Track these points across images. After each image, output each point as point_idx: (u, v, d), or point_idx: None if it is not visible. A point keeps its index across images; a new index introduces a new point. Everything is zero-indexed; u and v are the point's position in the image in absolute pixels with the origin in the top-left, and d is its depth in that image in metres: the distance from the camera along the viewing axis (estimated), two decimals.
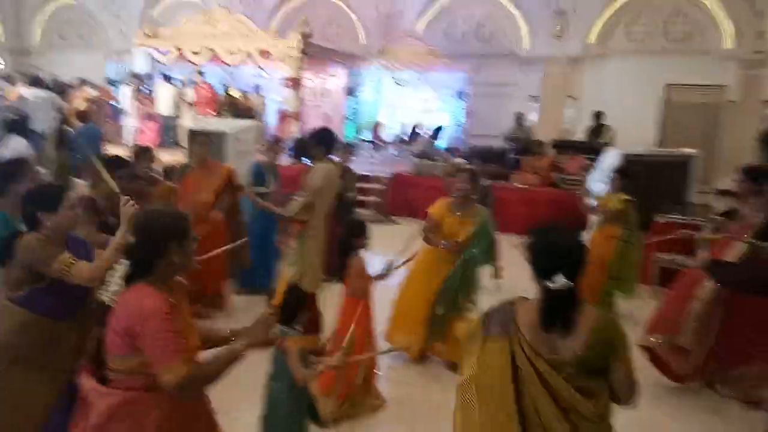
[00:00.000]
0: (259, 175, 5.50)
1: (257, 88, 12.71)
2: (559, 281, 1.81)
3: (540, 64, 13.17)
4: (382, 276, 3.71)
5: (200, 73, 12.13)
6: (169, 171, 5.52)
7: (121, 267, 1.85)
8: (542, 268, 1.87)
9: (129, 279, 1.92)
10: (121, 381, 1.88)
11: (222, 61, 11.34)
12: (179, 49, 11.35)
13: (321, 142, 4.36)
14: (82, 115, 8.92)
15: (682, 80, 12.44)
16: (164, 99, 11.27)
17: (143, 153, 4.76)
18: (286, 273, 4.31)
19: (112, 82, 13.13)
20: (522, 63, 13.42)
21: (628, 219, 5.26)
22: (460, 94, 12.55)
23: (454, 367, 4.20)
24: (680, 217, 6.46)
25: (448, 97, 12.89)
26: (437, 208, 4.38)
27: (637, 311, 5.37)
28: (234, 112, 11.66)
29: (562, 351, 1.85)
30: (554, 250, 1.89)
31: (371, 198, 9.63)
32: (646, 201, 5.42)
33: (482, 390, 1.91)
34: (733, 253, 3.71)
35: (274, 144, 6.02)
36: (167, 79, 11.73)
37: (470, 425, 1.94)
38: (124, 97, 11.57)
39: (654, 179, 4.88)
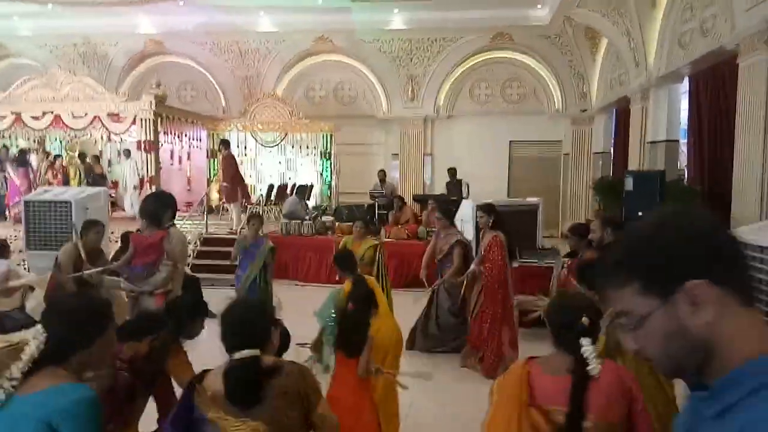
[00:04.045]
0: None
1: (128, 153, 11.71)
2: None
3: (397, 124, 13.92)
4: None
5: (40, 140, 11.10)
6: None
7: None
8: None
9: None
10: None
11: (66, 126, 10.53)
12: (16, 114, 10.38)
13: (168, 206, 4.13)
14: None
15: (522, 137, 13.82)
16: None
17: None
18: None
19: None
20: (381, 124, 14.09)
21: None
22: (325, 154, 12.77)
23: None
24: (533, 261, 7.01)
25: (314, 157, 13.04)
26: None
27: None
28: (91, 178, 10.78)
29: None
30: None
31: None
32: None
33: None
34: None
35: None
36: None
37: None
38: None
39: (507, 227, 5.29)
